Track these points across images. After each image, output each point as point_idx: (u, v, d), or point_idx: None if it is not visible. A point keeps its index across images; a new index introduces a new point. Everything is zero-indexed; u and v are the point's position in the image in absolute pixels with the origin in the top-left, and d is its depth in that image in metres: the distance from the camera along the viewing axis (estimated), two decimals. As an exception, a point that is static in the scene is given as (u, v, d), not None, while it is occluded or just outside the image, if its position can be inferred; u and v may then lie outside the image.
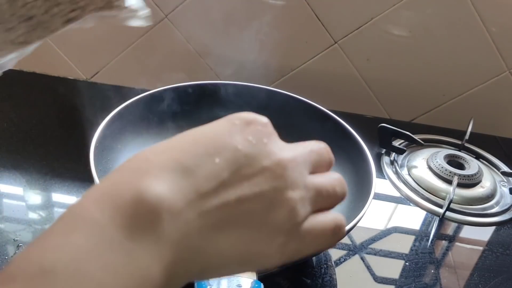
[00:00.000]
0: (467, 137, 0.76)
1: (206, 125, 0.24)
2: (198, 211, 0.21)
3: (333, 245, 0.26)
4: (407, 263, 0.56)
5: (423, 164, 0.71)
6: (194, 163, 0.22)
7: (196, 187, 0.21)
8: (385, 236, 0.59)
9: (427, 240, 0.60)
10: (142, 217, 0.19)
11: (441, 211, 0.63)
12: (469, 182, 0.68)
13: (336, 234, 0.25)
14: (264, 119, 0.25)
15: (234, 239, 0.22)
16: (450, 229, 0.63)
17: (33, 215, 0.56)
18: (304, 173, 0.24)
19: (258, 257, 0.23)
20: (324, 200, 0.25)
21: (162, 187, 0.20)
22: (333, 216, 0.25)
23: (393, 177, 0.69)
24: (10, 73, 0.94)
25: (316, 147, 0.26)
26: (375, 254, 0.56)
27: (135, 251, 0.19)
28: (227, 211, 0.21)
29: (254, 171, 0.22)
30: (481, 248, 0.61)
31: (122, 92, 0.83)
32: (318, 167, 0.26)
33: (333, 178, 0.26)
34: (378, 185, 0.54)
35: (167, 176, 0.21)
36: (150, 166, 0.21)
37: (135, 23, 0.34)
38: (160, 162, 0.22)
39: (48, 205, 0.58)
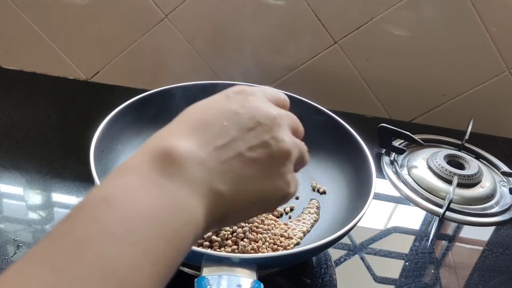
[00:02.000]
0: (467, 137, 0.76)
1: (206, 100, 0.31)
2: (217, 161, 0.27)
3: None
4: (407, 263, 0.56)
5: (423, 164, 0.71)
6: (207, 127, 0.28)
7: (213, 143, 0.27)
8: (385, 236, 0.59)
9: (427, 240, 0.60)
10: (173, 164, 0.26)
11: (441, 211, 0.63)
12: (469, 182, 0.68)
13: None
14: (249, 89, 0.31)
15: (250, 181, 0.28)
16: (450, 229, 0.63)
17: (33, 215, 0.56)
18: (288, 128, 0.31)
19: (271, 193, 0.29)
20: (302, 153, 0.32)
21: (186, 143, 0.27)
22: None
23: (393, 177, 0.69)
24: (10, 73, 0.94)
25: (291, 115, 0.32)
26: (375, 254, 0.56)
27: (172, 188, 0.25)
28: (241, 159, 0.28)
29: (255, 127, 0.29)
30: (481, 248, 0.61)
31: (122, 92, 0.83)
32: (295, 131, 0.32)
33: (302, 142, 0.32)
34: (378, 185, 0.54)
35: (188, 137, 0.27)
36: (174, 130, 0.29)
37: None
38: (180, 127, 0.29)
39: (48, 205, 0.58)
